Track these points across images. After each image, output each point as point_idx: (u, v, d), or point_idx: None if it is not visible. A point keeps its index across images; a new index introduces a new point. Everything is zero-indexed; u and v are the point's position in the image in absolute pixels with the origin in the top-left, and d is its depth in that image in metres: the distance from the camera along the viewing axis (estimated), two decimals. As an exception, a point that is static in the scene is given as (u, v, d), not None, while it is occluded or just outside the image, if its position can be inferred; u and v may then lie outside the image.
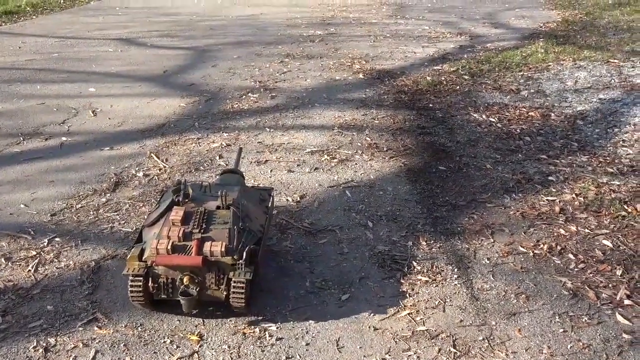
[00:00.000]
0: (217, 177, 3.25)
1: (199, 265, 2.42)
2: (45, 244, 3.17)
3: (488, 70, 6.56)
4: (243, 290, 2.45)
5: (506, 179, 3.91)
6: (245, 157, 4.19)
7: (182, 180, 2.78)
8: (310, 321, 2.58)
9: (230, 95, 5.78)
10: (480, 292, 2.78)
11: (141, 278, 2.47)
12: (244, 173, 3.31)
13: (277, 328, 2.54)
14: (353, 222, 3.40)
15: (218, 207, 2.63)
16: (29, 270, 2.93)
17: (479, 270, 2.94)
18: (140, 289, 2.47)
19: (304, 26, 9.37)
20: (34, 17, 10.47)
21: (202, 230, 2.51)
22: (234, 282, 2.45)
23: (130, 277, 2.48)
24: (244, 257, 2.46)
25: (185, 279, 2.46)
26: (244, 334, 2.50)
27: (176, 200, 2.65)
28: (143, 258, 2.50)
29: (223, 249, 2.44)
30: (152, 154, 4.32)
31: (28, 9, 10.96)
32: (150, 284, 2.49)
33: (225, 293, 2.48)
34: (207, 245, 2.46)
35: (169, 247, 2.45)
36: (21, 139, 4.64)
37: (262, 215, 2.84)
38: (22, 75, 6.48)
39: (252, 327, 2.54)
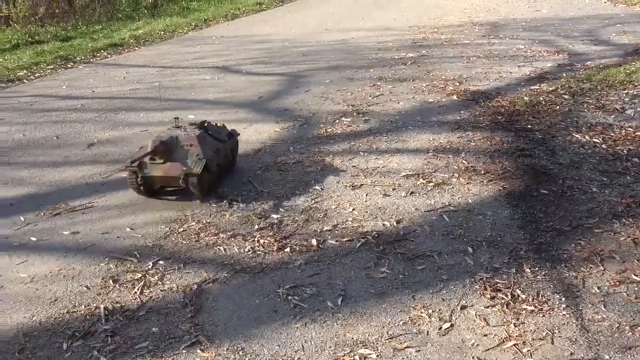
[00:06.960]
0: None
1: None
2: (150, 266, 3.28)
3: (589, 89, 6.30)
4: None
5: (614, 203, 3.71)
6: (340, 181, 4.23)
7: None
8: (411, 350, 2.53)
9: (323, 119, 5.83)
10: (591, 323, 2.63)
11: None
12: None
13: (377, 356, 2.50)
14: (452, 247, 3.32)
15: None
16: (135, 292, 3.03)
17: (589, 300, 2.78)
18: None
19: (395, 49, 9.35)
20: (136, 48, 11.03)
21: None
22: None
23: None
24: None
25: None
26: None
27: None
28: None
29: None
30: (249, 179, 4.40)
31: (131, 41, 11.56)
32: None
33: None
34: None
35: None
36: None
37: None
38: (127, 104, 6.82)
39: (346, 349, 2.51)
